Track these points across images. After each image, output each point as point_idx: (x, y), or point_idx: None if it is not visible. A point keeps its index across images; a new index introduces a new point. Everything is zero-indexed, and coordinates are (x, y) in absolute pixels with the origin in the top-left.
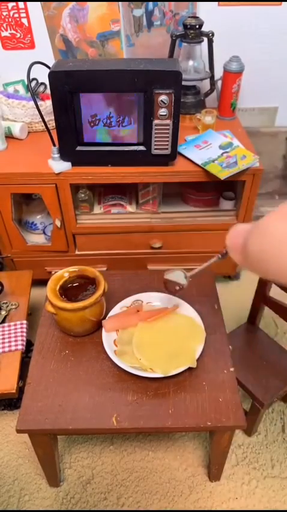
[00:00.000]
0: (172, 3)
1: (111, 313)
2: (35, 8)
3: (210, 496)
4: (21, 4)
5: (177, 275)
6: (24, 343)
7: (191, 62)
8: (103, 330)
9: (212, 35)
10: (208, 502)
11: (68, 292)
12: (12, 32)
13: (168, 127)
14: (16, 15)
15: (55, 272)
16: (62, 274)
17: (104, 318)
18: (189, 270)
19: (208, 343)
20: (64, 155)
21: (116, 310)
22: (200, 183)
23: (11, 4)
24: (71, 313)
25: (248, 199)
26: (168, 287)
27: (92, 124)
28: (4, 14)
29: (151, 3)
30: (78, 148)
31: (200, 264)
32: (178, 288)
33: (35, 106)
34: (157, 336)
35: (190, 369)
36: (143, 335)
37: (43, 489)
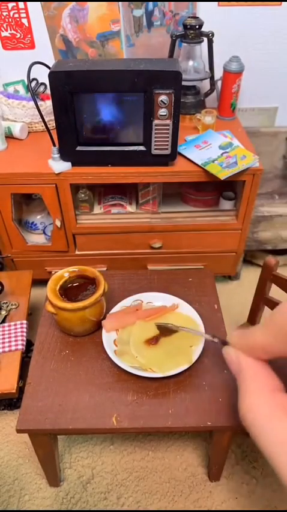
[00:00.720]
0: (172, 3)
1: (111, 313)
2: (35, 8)
3: (210, 496)
4: (21, 4)
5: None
6: (24, 343)
7: (191, 62)
8: (103, 329)
9: (212, 35)
10: (208, 501)
11: (68, 292)
12: (12, 32)
13: (168, 127)
14: (16, 15)
15: (55, 272)
16: (62, 274)
17: (104, 317)
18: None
19: (208, 343)
20: (64, 155)
21: (116, 310)
22: (200, 183)
23: (11, 4)
24: (71, 313)
25: (248, 199)
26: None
27: (92, 124)
28: (4, 14)
29: (150, 4)
30: (78, 148)
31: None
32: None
33: (35, 106)
34: (155, 334)
35: (189, 368)
36: (141, 333)
37: (43, 489)
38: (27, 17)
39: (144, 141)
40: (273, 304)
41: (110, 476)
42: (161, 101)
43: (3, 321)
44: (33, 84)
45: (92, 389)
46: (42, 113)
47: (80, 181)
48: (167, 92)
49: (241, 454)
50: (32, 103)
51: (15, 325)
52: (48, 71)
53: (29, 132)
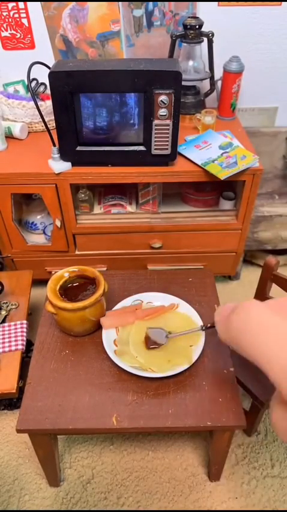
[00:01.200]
0: (172, 3)
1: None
2: (35, 8)
3: (210, 496)
4: (21, 4)
5: (158, 333)
6: (25, 343)
7: (191, 62)
8: (103, 329)
9: (212, 35)
10: (207, 501)
11: (68, 292)
12: (12, 32)
13: (168, 127)
14: (16, 15)
15: (55, 272)
16: (62, 274)
17: None
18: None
19: (208, 343)
20: (64, 155)
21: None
22: (200, 183)
23: (11, 4)
24: (71, 313)
25: (248, 199)
26: (147, 342)
27: (92, 124)
28: (4, 14)
29: (151, 4)
30: (78, 148)
31: (182, 331)
32: (153, 346)
33: (35, 106)
34: None
35: (190, 368)
36: (140, 333)
37: (43, 489)
38: (27, 17)
39: (144, 141)
40: None
41: (110, 476)
42: (161, 101)
43: (3, 321)
44: (33, 84)
45: (92, 389)
46: (42, 113)
47: (80, 181)
48: (167, 92)
49: (241, 454)
50: (32, 103)
51: (15, 325)
52: (48, 71)
53: (29, 132)
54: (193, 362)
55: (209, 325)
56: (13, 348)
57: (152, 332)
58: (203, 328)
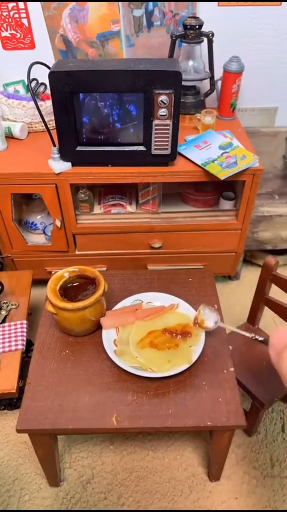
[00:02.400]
0: (172, 3)
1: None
2: (35, 8)
3: (210, 496)
4: (21, 4)
5: (210, 315)
6: (25, 343)
7: (191, 62)
8: (103, 329)
9: (212, 35)
10: (207, 501)
11: (68, 292)
12: (13, 32)
13: (168, 127)
14: (16, 15)
15: (55, 272)
16: (62, 274)
17: None
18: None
19: (208, 343)
20: (64, 155)
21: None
22: (200, 183)
23: (11, 4)
24: (71, 313)
25: (248, 199)
26: (196, 318)
27: (92, 124)
28: (4, 14)
29: (150, 4)
30: (78, 148)
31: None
32: (200, 324)
33: (35, 106)
34: (154, 334)
35: (190, 368)
36: (140, 333)
37: (43, 489)
38: (27, 17)
39: (144, 141)
40: (273, 304)
41: (110, 476)
42: (161, 101)
43: (3, 321)
44: (33, 84)
45: (92, 389)
46: (42, 113)
47: (80, 181)
48: (167, 92)
49: (241, 453)
50: (32, 103)
51: (15, 325)
52: (48, 71)
53: (29, 132)
54: (193, 362)
55: (260, 339)
56: (13, 348)
57: (205, 310)
58: (253, 338)
